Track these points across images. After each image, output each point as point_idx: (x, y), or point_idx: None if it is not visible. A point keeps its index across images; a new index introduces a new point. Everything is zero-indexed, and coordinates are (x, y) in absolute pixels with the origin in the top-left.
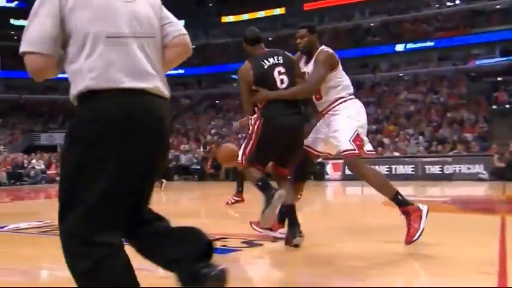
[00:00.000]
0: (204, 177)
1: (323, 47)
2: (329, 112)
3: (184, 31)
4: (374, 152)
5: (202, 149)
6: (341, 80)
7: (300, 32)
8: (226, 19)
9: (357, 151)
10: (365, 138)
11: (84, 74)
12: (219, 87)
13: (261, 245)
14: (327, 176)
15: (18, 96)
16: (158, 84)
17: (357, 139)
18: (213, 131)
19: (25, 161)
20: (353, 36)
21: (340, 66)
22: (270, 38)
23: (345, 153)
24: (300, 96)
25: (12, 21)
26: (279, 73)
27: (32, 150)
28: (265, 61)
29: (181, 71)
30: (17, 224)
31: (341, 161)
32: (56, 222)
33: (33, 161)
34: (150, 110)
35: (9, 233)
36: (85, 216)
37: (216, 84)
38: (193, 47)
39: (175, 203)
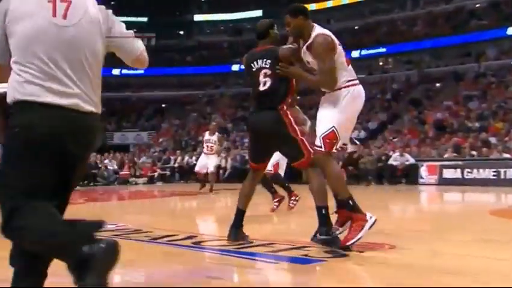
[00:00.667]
0: (296, 178)
1: (316, 29)
2: (323, 98)
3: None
4: (346, 147)
5: None
6: (338, 67)
7: (285, 19)
8: (309, 7)
9: (322, 149)
10: (344, 135)
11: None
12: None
13: (347, 255)
14: (421, 180)
15: None
16: (77, 101)
17: (329, 136)
18: None
19: (98, 161)
20: (452, 20)
21: (339, 49)
22: (356, 27)
23: (315, 147)
24: (323, 87)
25: None
26: (264, 75)
27: (105, 149)
28: (254, 63)
29: None
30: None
31: (437, 163)
32: (130, 225)
33: (106, 161)
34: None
35: None
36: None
37: None
38: None
39: (250, 208)
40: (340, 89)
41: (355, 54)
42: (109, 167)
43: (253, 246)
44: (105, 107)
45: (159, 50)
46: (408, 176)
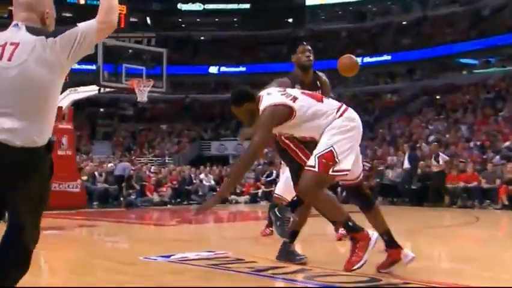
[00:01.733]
0: (422, 200)
1: (263, 102)
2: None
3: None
4: (346, 173)
5: (407, 161)
6: (311, 114)
7: (232, 110)
8: None
9: (316, 169)
10: (347, 158)
11: None
12: (439, 77)
13: None
14: None
15: (184, 96)
16: (4, 137)
17: (325, 156)
18: (431, 138)
19: (192, 175)
20: None
21: (300, 103)
22: None
23: (306, 167)
24: (246, 170)
25: (180, 5)
26: None
27: (200, 161)
28: None
29: (387, 57)
30: (184, 253)
31: None
32: (230, 253)
33: (202, 175)
34: None
35: (176, 263)
36: None
37: (435, 73)
38: (404, 23)
39: None
40: (335, 118)
41: None
42: (205, 183)
43: (382, 285)
44: (201, 112)
45: (264, 42)
46: None
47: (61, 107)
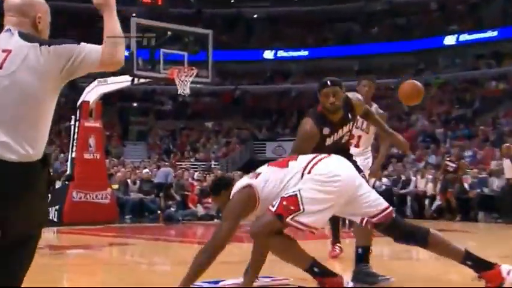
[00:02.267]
0: None
1: (232, 192)
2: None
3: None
4: (307, 229)
5: None
6: (274, 184)
7: (211, 200)
8: None
9: (273, 210)
10: (315, 213)
11: None
12: None
13: None
14: None
15: (233, 87)
16: None
17: (288, 199)
18: None
19: None
20: None
21: (263, 177)
22: None
23: (269, 206)
24: (212, 260)
25: None
26: None
27: (253, 166)
28: None
29: (492, 34)
30: (236, 278)
31: None
32: (292, 280)
33: None
34: None
35: None
36: None
37: None
38: None
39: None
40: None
41: None
42: None
43: None
44: (254, 107)
45: (330, 19)
46: None
47: (88, 102)
